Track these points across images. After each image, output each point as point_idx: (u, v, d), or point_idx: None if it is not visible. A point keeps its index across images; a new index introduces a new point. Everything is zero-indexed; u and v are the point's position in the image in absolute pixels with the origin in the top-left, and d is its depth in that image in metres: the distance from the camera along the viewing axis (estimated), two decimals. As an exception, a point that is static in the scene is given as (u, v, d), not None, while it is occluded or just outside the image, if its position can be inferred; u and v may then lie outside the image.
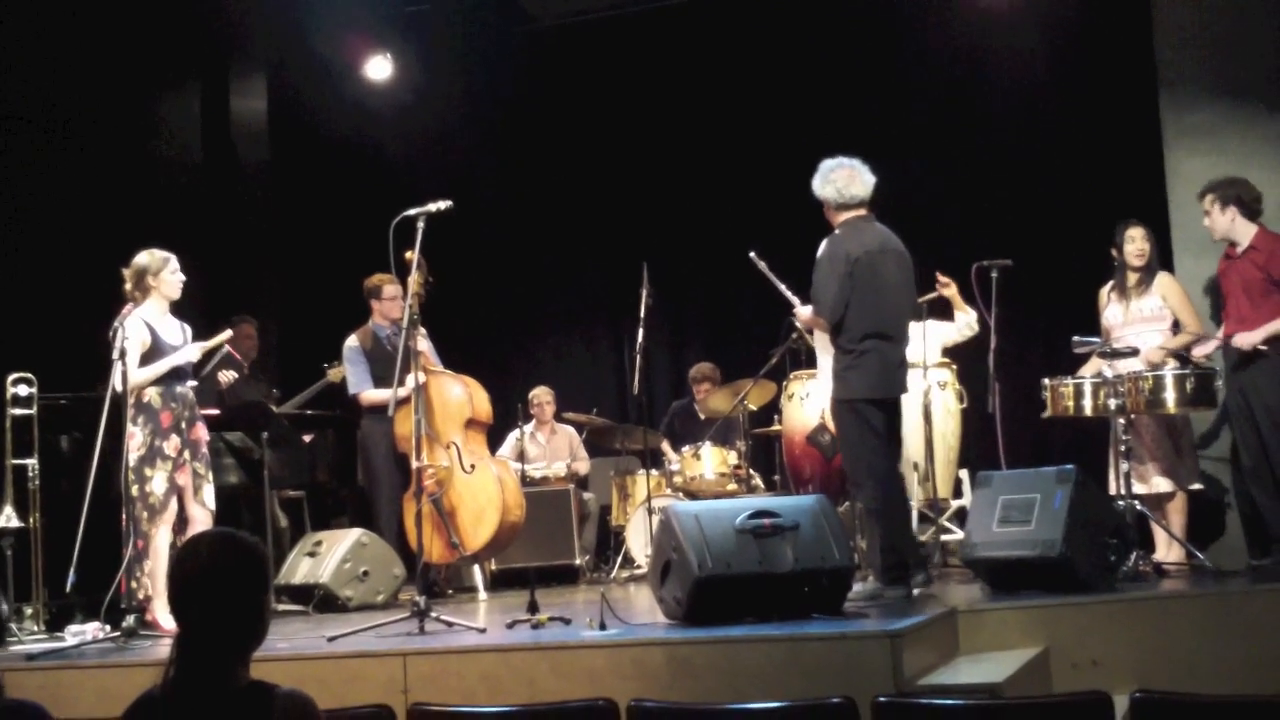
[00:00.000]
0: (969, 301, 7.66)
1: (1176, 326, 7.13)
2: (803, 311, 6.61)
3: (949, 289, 7.73)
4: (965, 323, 7.80)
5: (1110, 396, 6.68)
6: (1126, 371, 6.75)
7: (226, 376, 8.04)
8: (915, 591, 5.99)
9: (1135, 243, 7.21)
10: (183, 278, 6.71)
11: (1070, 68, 9.66)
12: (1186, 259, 7.99)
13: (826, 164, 6.40)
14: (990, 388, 7.27)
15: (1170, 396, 6.62)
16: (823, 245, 6.29)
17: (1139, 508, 6.70)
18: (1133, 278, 7.20)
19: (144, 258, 6.65)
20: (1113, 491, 6.83)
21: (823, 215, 6.47)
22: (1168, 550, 6.88)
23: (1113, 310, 7.28)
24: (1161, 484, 6.96)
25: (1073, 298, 8.22)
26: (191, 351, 6.67)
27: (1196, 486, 7.07)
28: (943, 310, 7.92)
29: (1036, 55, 9.82)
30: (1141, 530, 6.79)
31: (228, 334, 7.00)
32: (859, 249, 6.20)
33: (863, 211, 6.35)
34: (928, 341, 7.60)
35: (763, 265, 7.07)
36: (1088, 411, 6.84)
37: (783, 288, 6.98)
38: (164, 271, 6.64)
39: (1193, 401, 6.69)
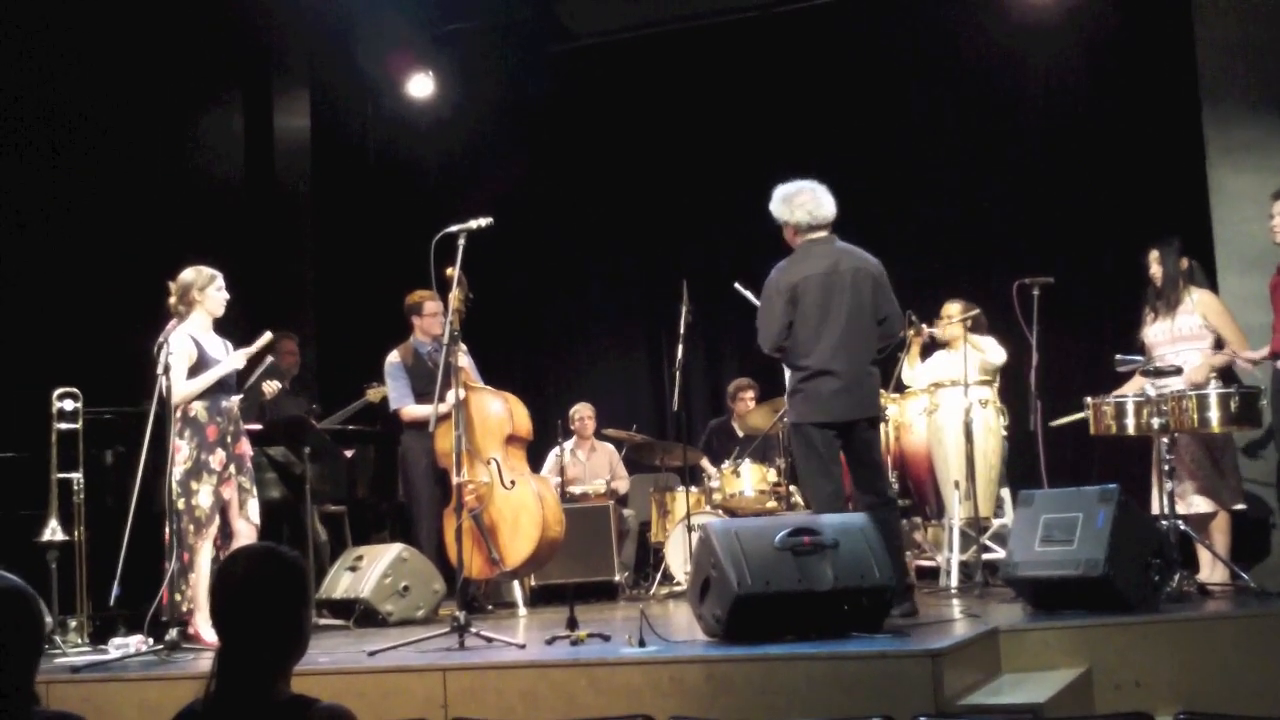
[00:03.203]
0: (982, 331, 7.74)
1: (1219, 344, 7.07)
2: None
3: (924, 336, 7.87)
4: (987, 357, 7.80)
5: (1153, 415, 6.62)
6: (1170, 390, 6.69)
7: (271, 387, 8.08)
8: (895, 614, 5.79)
9: (1150, 268, 7.24)
10: (227, 295, 6.77)
11: (1112, 83, 9.63)
12: (1231, 276, 7.93)
13: (787, 188, 6.36)
14: (1032, 406, 7.23)
15: (1214, 415, 6.55)
16: (770, 274, 6.30)
17: (1183, 528, 6.64)
18: (1160, 300, 7.19)
19: (190, 274, 6.72)
20: (1155, 511, 6.77)
21: (853, 236, 6.48)
22: (1211, 570, 6.81)
23: (1152, 329, 7.23)
24: (1201, 504, 6.89)
25: (1115, 315, 8.18)
26: (237, 359, 6.72)
27: (1239, 507, 7.00)
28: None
29: (1077, 70, 9.81)
30: (1185, 550, 6.73)
31: (269, 336, 7.02)
32: (800, 275, 6.19)
33: (823, 233, 6.32)
34: (969, 360, 7.58)
35: (749, 294, 7.07)
36: (1130, 430, 6.78)
37: None
38: (210, 288, 6.70)
39: (1237, 420, 6.62)
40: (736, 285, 7.22)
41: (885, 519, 6.16)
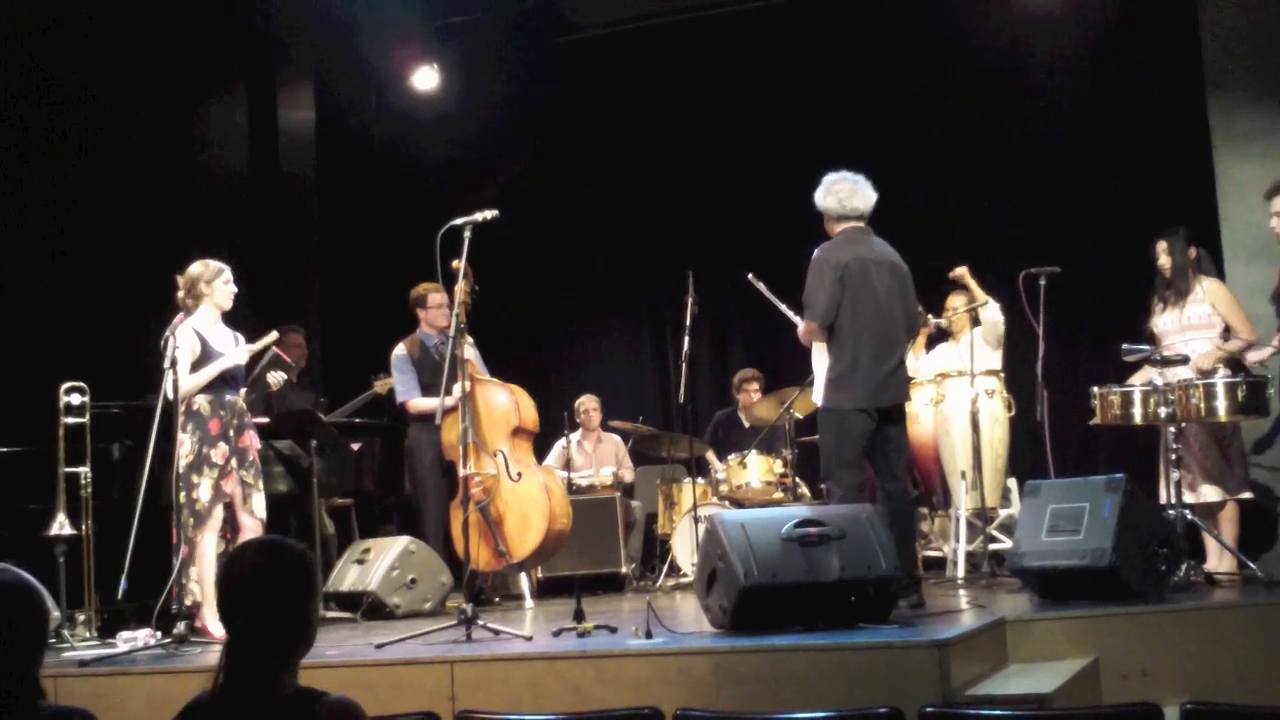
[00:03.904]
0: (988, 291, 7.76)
1: (1228, 332, 7.07)
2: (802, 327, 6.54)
3: (962, 275, 7.81)
4: (992, 320, 7.77)
5: (1160, 405, 6.62)
6: (1177, 380, 6.69)
7: (275, 378, 8.06)
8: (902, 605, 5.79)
9: (1159, 258, 7.24)
10: (234, 289, 6.77)
11: (1117, 72, 9.59)
12: (1237, 265, 7.92)
13: (830, 177, 6.43)
14: (1038, 396, 7.23)
15: (1221, 405, 6.55)
16: (815, 253, 6.32)
17: (1190, 517, 6.63)
18: (1170, 290, 7.19)
19: (198, 267, 6.73)
20: (1163, 501, 6.77)
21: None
22: (1219, 560, 6.81)
23: (1161, 319, 7.23)
24: (1210, 493, 6.89)
25: (1121, 304, 8.16)
26: (240, 354, 6.73)
27: (1246, 495, 7.00)
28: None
29: (1083, 59, 9.77)
30: (1192, 540, 6.72)
31: (274, 335, 7.04)
32: (848, 256, 6.22)
33: (860, 224, 6.37)
34: (978, 346, 7.58)
35: (761, 286, 7.04)
36: (1137, 420, 6.78)
37: (783, 307, 6.93)
38: (217, 281, 6.71)
39: (1244, 409, 6.62)
40: (750, 277, 7.17)
41: (906, 509, 6.22)
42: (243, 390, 6.83)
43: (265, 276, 9.52)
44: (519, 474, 7.61)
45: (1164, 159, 9.19)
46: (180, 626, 6.12)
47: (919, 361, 8.19)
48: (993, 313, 7.75)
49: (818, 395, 6.35)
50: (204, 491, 6.50)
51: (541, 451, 9.06)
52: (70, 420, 7.04)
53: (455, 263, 6.47)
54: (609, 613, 6.57)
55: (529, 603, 7.98)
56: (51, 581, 6.67)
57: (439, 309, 8.07)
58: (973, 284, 7.83)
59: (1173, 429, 6.64)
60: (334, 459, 8.11)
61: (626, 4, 10.90)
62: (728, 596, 5.24)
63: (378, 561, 7.55)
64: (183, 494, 6.45)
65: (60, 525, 6.93)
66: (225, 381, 6.66)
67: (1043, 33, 9.70)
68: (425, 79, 10.85)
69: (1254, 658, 5.32)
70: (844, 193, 6.35)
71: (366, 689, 4.90)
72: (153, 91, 9.01)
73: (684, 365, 8.51)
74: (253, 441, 6.80)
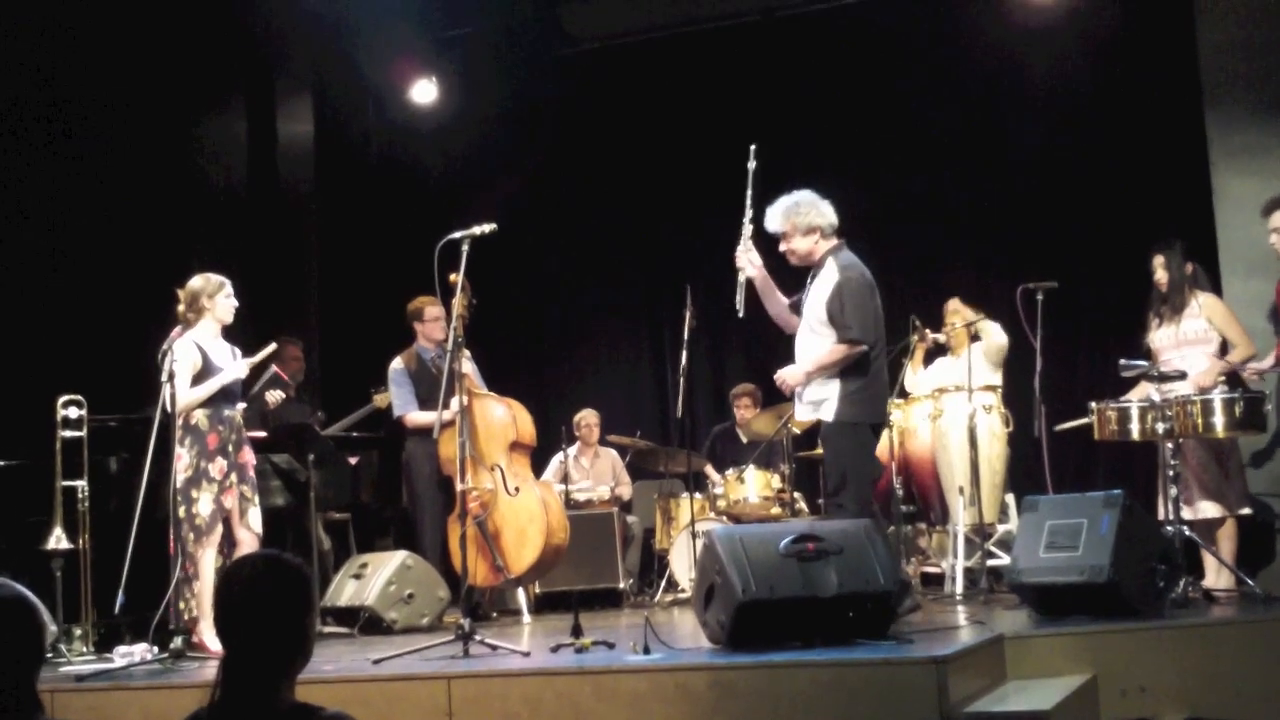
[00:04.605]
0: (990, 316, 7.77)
1: (1225, 347, 7.07)
2: (790, 373, 6.32)
3: (928, 342, 7.90)
4: (997, 344, 7.77)
5: (1158, 420, 6.61)
6: (1174, 395, 6.68)
7: (274, 396, 8.08)
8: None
9: (1155, 272, 7.23)
10: (235, 303, 6.78)
11: (1114, 86, 9.61)
12: (1235, 280, 7.92)
13: (802, 196, 6.36)
14: (1036, 411, 7.22)
15: (1219, 420, 6.55)
16: (839, 268, 6.18)
17: (1188, 533, 6.63)
18: (1165, 305, 7.19)
19: (199, 281, 6.73)
20: (1161, 516, 6.76)
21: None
22: (1217, 576, 6.80)
23: (1157, 334, 7.23)
24: (1208, 509, 6.88)
25: (1119, 319, 8.17)
26: (240, 368, 6.73)
27: (1245, 511, 6.99)
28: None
29: (1080, 73, 9.78)
30: (1190, 556, 6.71)
31: (273, 347, 7.04)
32: (866, 271, 6.19)
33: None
34: (977, 363, 7.58)
35: (748, 225, 6.76)
36: (1135, 436, 6.78)
37: (740, 280, 6.64)
38: (218, 295, 6.72)
39: (1242, 425, 6.61)
40: (753, 151, 6.88)
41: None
42: (240, 405, 6.82)
43: (264, 289, 9.51)
44: (516, 488, 7.61)
45: (1161, 173, 9.20)
46: (177, 641, 6.10)
47: (917, 376, 8.19)
48: (997, 336, 7.75)
49: (829, 410, 6.17)
50: (204, 506, 6.49)
51: (539, 466, 9.05)
52: (67, 433, 7.02)
53: (453, 276, 6.47)
54: (607, 628, 6.55)
55: (526, 618, 7.96)
56: (48, 595, 6.64)
57: (435, 322, 8.07)
58: (967, 312, 7.84)
59: (1171, 445, 6.63)
60: (331, 472, 8.10)
61: (624, 17, 10.92)
62: (725, 612, 5.23)
63: (375, 576, 7.53)
64: (182, 509, 6.44)
65: (57, 539, 6.91)
66: (224, 396, 6.66)
67: (1041, 46, 9.70)
68: (424, 92, 10.87)
69: (1252, 674, 5.32)
70: (828, 210, 6.33)
71: (364, 704, 4.89)
72: (151, 102, 9.01)
73: (682, 379, 8.50)
74: (250, 456, 6.80)
